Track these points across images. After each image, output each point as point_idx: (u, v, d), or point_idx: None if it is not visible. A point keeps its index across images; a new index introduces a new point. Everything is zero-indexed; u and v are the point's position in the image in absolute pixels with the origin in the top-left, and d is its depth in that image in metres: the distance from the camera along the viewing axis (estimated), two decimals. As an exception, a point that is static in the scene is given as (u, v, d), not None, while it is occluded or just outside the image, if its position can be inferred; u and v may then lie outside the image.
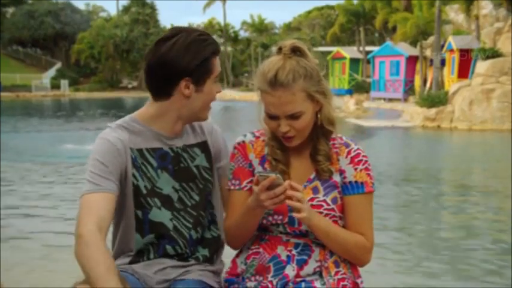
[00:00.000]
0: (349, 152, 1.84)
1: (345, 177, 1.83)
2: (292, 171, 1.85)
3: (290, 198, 1.66)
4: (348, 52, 39.42)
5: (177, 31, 1.83)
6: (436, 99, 21.42)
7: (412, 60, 32.87)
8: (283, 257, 1.80)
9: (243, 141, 1.91)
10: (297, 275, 1.78)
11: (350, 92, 35.62)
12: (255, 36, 57.66)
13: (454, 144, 17.70)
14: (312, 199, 1.80)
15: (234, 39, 59.72)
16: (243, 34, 61.11)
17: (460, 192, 9.52)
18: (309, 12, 61.72)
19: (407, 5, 35.49)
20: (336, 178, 1.83)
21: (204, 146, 1.96)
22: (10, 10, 57.85)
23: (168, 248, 1.87)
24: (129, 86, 55.14)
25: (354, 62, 38.70)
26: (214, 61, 1.84)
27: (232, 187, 1.89)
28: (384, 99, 33.73)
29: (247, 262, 1.86)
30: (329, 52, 40.53)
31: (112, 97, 42.68)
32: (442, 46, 27.88)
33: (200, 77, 1.81)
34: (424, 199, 8.74)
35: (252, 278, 1.82)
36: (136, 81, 53.59)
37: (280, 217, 1.80)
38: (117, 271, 1.59)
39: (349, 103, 26.27)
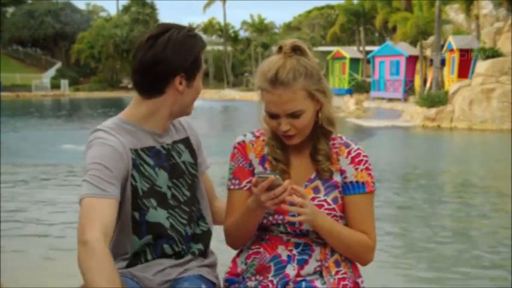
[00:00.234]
0: (349, 152, 1.84)
1: (345, 177, 1.83)
2: (293, 171, 1.84)
3: (291, 195, 1.67)
4: (348, 52, 39.43)
5: (166, 28, 1.83)
6: (436, 99, 21.42)
7: (412, 60, 32.87)
8: (284, 257, 1.80)
9: (243, 141, 1.90)
10: (298, 275, 1.77)
11: (350, 91, 35.62)
12: (255, 36, 57.64)
13: (454, 144, 17.70)
14: (313, 199, 1.80)
15: (234, 39, 59.71)
16: (243, 34, 61.16)
17: (460, 192, 9.52)
18: (309, 12, 61.73)
19: (407, 4, 35.49)
20: (337, 178, 1.83)
21: (187, 142, 1.98)
22: (10, 10, 57.85)
23: (166, 247, 1.86)
24: (129, 85, 54.93)
25: (354, 61, 38.71)
26: (202, 56, 1.87)
27: (232, 187, 1.89)
28: (384, 99, 33.73)
29: (248, 262, 1.86)
30: (329, 52, 40.54)
31: (112, 97, 42.67)
32: (442, 46, 27.88)
33: (192, 72, 1.83)
34: (424, 199, 8.74)
35: (253, 278, 1.82)
36: (137, 81, 53.42)
37: (281, 217, 1.80)
38: (121, 283, 1.56)
39: (349, 103, 26.26)
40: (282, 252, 1.81)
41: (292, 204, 1.69)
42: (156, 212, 1.84)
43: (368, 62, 38.42)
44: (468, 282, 5.03)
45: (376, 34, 52.37)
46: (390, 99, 33.17)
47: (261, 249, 1.84)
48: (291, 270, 1.78)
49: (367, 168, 1.83)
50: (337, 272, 1.80)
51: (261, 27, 58.62)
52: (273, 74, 1.72)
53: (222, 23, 58.35)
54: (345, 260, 1.83)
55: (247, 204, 1.76)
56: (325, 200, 1.81)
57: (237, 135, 1.93)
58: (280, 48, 1.77)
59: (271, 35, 56.02)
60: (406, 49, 33.66)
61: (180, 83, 1.81)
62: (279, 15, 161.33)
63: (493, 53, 21.51)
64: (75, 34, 54.06)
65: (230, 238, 1.90)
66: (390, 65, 34.14)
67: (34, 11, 55.37)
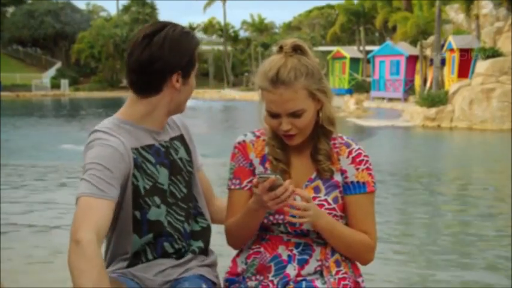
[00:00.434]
0: (350, 152, 1.84)
1: (346, 177, 1.83)
2: (293, 170, 1.84)
3: (293, 193, 1.67)
4: (348, 52, 39.44)
5: (161, 25, 1.83)
6: (436, 98, 21.42)
7: (412, 60, 32.88)
8: (284, 257, 1.80)
9: (244, 141, 1.90)
10: (298, 275, 1.78)
11: (350, 91, 35.62)
12: (255, 36, 57.64)
13: (454, 144, 17.70)
14: (313, 198, 1.80)
15: (234, 38, 59.69)
16: (243, 34, 61.14)
17: (460, 191, 9.52)
18: (309, 11, 61.72)
19: (407, 4, 35.49)
20: (337, 178, 1.83)
21: (181, 139, 1.98)
22: (10, 10, 57.87)
23: (166, 245, 1.85)
24: (128, 85, 55.03)
25: (354, 61, 38.72)
26: (196, 54, 1.87)
27: (232, 186, 1.88)
28: (384, 98, 33.73)
29: (248, 262, 1.86)
30: (329, 52, 40.54)
31: (112, 97, 42.64)
32: (442, 46, 27.88)
33: (188, 70, 1.83)
34: (424, 198, 8.74)
35: (253, 278, 1.82)
36: (137, 80, 53.42)
37: (281, 217, 1.80)
38: (108, 286, 1.53)
39: (349, 103, 26.26)
40: (283, 252, 1.81)
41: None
42: (159, 210, 1.84)
43: (368, 61, 38.42)
44: (468, 282, 5.03)
45: (376, 34, 52.37)
46: (390, 99, 33.18)
47: (262, 249, 1.84)
48: (291, 270, 1.78)
49: (368, 168, 1.83)
50: (337, 272, 1.80)
51: (261, 27, 58.61)
52: (274, 73, 1.72)
53: (222, 23, 58.35)
54: (345, 259, 1.83)
55: (249, 205, 1.76)
56: (325, 200, 1.81)
57: (237, 135, 1.93)
58: (281, 48, 1.77)
59: (271, 35, 56.02)
60: (406, 49, 33.67)
61: (177, 81, 1.81)
62: (279, 15, 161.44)
63: (493, 53, 21.51)
64: (75, 34, 54.07)
65: (231, 238, 1.89)
66: (390, 65, 34.15)
67: (34, 11, 55.37)
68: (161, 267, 1.84)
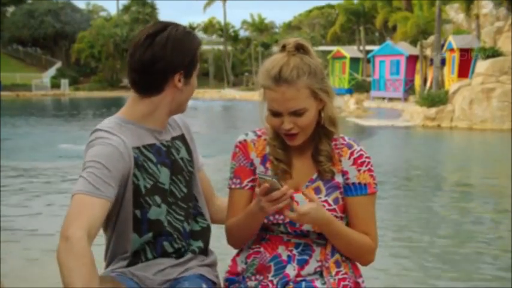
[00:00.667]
0: (351, 153, 1.83)
1: (347, 178, 1.83)
2: (294, 171, 1.84)
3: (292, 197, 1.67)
4: (348, 51, 39.44)
5: (163, 25, 1.83)
6: (436, 98, 21.42)
7: (412, 60, 32.88)
8: (284, 257, 1.80)
9: (245, 140, 1.90)
10: (298, 275, 1.78)
11: (350, 91, 35.64)
12: (255, 36, 57.63)
13: (454, 144, 17.71)
14: (314, 199, 1.80)
15: (234, 38, 59.68)
16: (243, 33, 61.11)
17: (460, 191, 9.52)
18: (310, 11, 61.70)
19: (407, 4, 35.49)
20: (338, 179, 1.83)
21: (182, 139, 1.98)
22: (10, 9, 57.85)
23: (166, 244, 1.85)
24: (129, 85, 55.02)
25: (354, 61, 38.72)
26: (198, 53, 1.88)
27: (233, 186, 1.88)
28: (384, 98, 33.73)
29: (248, 261, 1.86)
30: (329, 51, 40.54)
31: (112, 96, 42.66)
32: (442, 45, 27.88)
33: (190, 70, 1.84)
34: (424, 198, 8.74)
35: (253, 278, 1.82)
36: (137, 80, 53.41)
37: (282, 217, 1.80)
38: (98, 285, 1.51)
39: (349, 102, 26.28)
40: (283, 252, 1.81)
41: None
42: (160, 210, 1.84)
43: (368, 61, 38.42)
44: (468, 282, 5.02)
45: (377, 34, 52.36)
46: (390, 99, 33.18)
47: (261, 249, 1.84)
48: (291, 270, 1.78)
49: (369, 170, 1.83)
50: (337, 273, 1.79)
51: (261, 27, 58.58)
52: (277, 71, 1.71)
53: (222, 23, 58.33)
54: (345, 260, 1.83)
55: (250, 208, 1.75)
56: (326, 201, 1.81)
57: (237, 135, 1.93)
58: (283, 47, 1.77)
59: (272, 35, 56.03)
60: (406, 49, 33.67)
61: (179, 81, 1.81)
62: (279, 15, 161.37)
63: (493, 53, 21.51)
64: (75, 34, 54.05)
65: (231, 238, 1.89)
66: (390, 65, 34.15)
67: (34, 11, 55.36)
68: (161, 267, 1.84)
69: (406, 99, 31.73)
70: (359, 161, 1.82)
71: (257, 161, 1.87)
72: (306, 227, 1.79)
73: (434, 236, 6.56)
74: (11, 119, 22.70)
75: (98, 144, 1.73)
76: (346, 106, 25.71)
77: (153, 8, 57.88)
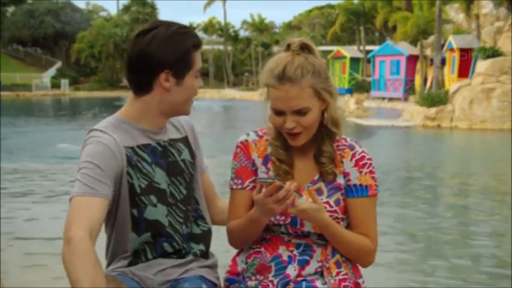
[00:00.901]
0: (353, 155, 1.83)
1: (349, 180, 1.82)
2: (296, 172, 1.84)
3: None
4: (348, 51, 39.45)
5: (156, 24, 1.82)
6: (437, 98, 21.42)
7: (412, 60, 32.88)
8: (285, 257, 1.80)
9: (246, 140, 1.89)
10: (298, 275, 1.77)
11: (350, 91, 35.63)
12: (255, 36, 57.65)
13: (454, 144, 17.70)
14: (315, 200, 1.79)
15: (234, 38, 59.70)
16: (243, 33, 61.15)
17: (460, 191, 9.52)
18: (310, 11, 61.70)
19: (407, 4, 35.49)
20: (340, 180, 1.83)
21: (186, 141, 1.97)
22: (10, 9, 57.86)
23: (166, 245, 1.85)
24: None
25: (354, 61, 38.74)
26: (195, 55, 1.83)
27: (234, 186, 1.88)
28: (384, 98, 33.73)
29: (248, 261, 1.86)
30: (329, 51, 40.56)
31: (112, 96, 42.64)
32: (443, 45, 27.88)
33: (180, 70, 1.80)
34: (424, 198, 8.73)
35: (253, 278, 1.82)
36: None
37: (283, 217, 1.80)
38: (104, 283, 1.52)
39: (349, 102, 26.31)
40: (283, 252, 1.81)
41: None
42: (156, 209, 1.83)
43: (368, 61, 38.44)
44: (468, 282, 5.02)
45: (377, 33, 52.36)
46: (390, 99, 33.19)
47: (262, 249, 1.84)
48: (291, 271, 1.78)
49: (371, 172, 1.83)
50: (338, 273, 1.79)
51: (261, 27, 58.61)
52: (281, 70, 1.71)
53: (222, 23, 58.35)
54: (346, 260, 1.83)
55: (251, 215, 1.75)
56: (327, 202, 1.81)
57: (237, 135, 1.92)
58: (288, 46, 1.76)
59: (272, 35, 56.09)
60: (406, 48, 33.68)
61: (167, 80, 1.79)
62: (279, 15, 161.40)
63: (493, 53, 21.52)
64: (75, 33, 54.07)
65: (233, 240, 1.89)
66: (390, 65, 34.16)
67: (34, 11, 55.36)
68: (161, 267, 1.84)
69: (406, 99, 31.74)
70: (361, 163, 1.82)
71: (259, 162, 1.86)
72: (306, 227, 1.79)
73: (433, 236, 6.55)
74: (11, 119, 22.70)
75: (90, 143, 1.75)
76: (346, 106, 25.72)
77: (153, 8, 57.90)
